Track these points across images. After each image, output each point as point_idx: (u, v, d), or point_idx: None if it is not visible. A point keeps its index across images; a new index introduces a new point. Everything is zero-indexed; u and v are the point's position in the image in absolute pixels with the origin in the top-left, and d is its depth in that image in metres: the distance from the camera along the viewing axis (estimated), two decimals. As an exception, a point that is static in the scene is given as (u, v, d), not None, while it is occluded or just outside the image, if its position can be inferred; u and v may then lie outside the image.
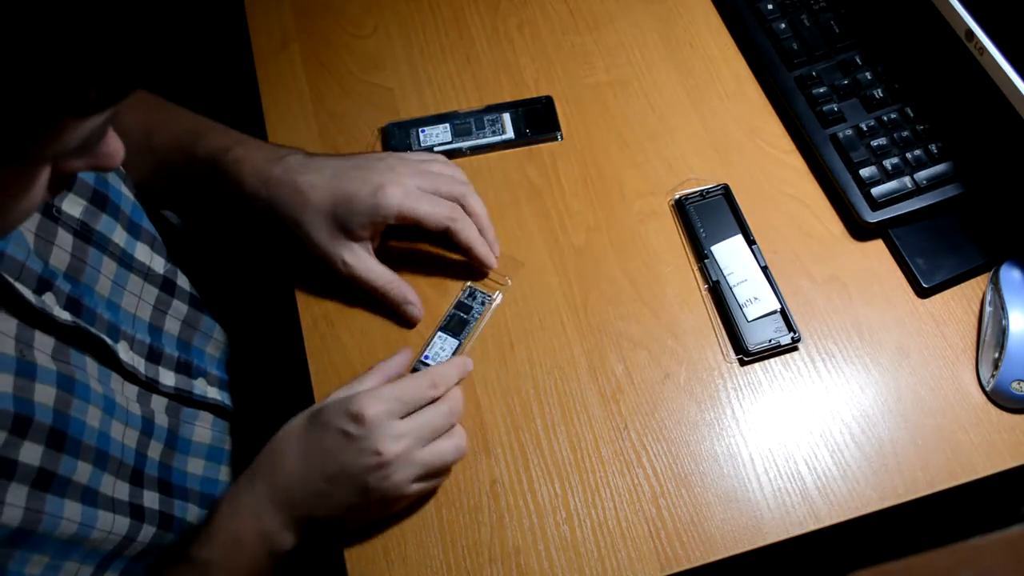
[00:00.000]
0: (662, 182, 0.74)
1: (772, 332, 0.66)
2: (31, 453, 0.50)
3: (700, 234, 0.70)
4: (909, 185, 0.70)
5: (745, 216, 0.71)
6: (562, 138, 0.76)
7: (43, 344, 0.53)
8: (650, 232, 0.72)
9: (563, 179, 0.74)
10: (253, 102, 0.79)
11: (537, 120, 0.77)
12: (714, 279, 0.68)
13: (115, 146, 0.45)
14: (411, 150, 0.75)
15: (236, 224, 0.77)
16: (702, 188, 0.72)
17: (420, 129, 0.77)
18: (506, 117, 0.77)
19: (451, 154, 0.75)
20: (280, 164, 0.65)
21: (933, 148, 0.71)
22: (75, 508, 0.53)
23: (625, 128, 0.77)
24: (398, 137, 0.76)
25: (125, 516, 0.57)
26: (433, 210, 0.65)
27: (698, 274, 0.70)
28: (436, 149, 0.75)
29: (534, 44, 0.82)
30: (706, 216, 0.71)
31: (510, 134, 0.76)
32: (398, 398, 0.58)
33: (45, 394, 0.51)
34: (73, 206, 0.58)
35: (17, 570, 0.50)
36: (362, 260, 0.66)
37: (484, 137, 0.76)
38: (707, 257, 0.69)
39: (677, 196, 0.72)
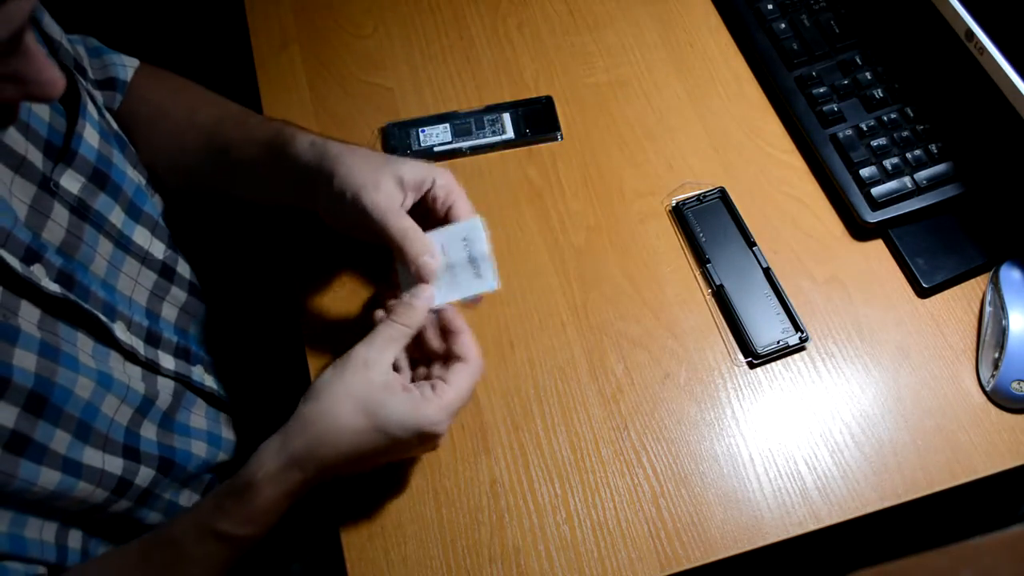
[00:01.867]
0: (662, 182, 0.74)
1: (779, 333, 0.66)
2: (5, 414, 0.49)
3: (700, 239, 0.70)
4: (909, 185, 0.70)
5: (745, 216, 0.71)
6: (562, 138, 0.76)
7: (29, 314, 0.53)
8: (650, 232, 0.72)
9: (563, 179, 0.74)
10: (253, 102, 0.79)
11: (537, 120, 0.77)
12: (718, 283, 0.68)
13: (50, 74, 0.45)
14: (411, 150, 0.75)
15: (255, 215, 0.76)
16: (699, 192, 0.72)
17: (420, 129, 0.77)
18: (506, 117, 0.77)
19: (451, 154, 0.76)
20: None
21: (933, 148, 0.71)
22: (53, 476, 0.52)
23: (625, 128, 0.77)
24: (398, 137, 0.76)
25: (106, 490, 0.57)
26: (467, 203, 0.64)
27: (700, 278, 0.70)
28: (436, 149, 0.75)
29: (534, 44, 0.82)
30: (704, 220, 0.71)
31: (510, 134, 0.77)
32: (460, 404, 0.57)
33: (25, 359, 0.51)
34: (72, 182, 0.58)
35: None
36: (395, 200, 0.60)
37: (484, 137, 0.76)
38: (709, 262, 0.69)
39: (674, 202, 0.72)
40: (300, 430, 0.54)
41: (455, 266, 0.60)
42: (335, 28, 0.83)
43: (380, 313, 0.59)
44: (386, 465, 0.63)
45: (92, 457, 0.56)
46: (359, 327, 0.68)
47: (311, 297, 0.70)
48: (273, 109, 0.78)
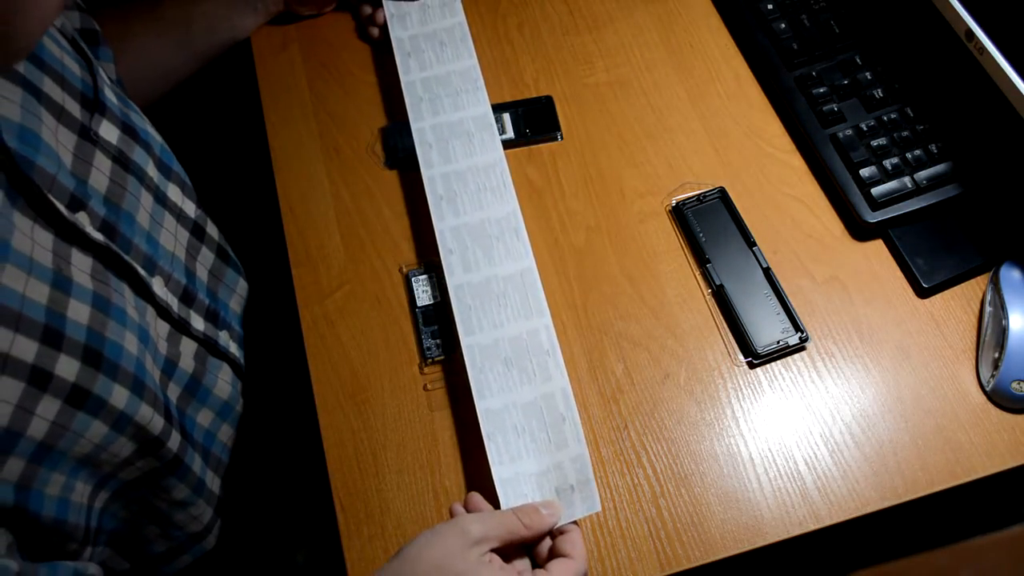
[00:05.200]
0: (662, 182, 0.74)
1: (779, 333, 0.66)
2: (67, 367, 0.50)
3: (700, 239, 0.70)
4: (909, 185, 0.70)
5: (745, 217, 0.71)
6: (562, 138, 0.76)
7: (81, 263, 0.53)
8: (650, 232, 0.72)
9: (563, 179, 0.74)
10: (253, 102, 0.79)
11: (537, 120, 0.77)
12: (718, 283, 0.68)
13: None
14: (411, 150, 0.75)
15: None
16: (699, 192, 0.72)
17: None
18: (506, 117, 0.77)
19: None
20: None
21: (933, 148, 0.71)
22: (101, 429, 0.53)
23: (625, 128, 0.77)
24: (398, 137, 0.76)
25: (135, 442, 0.57)
26: None
27: (700, 278, 0.70)
28: None
29: (534, 44, 0.82)
30: (704, 220, 0.71)
31: (510, 134, 0.77)
32: None
33: (78, 311, 0.51)
34: (109, 132, 0.59)
35: (40, 490, 0.50)
36: None
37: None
38: (709, 262, 0.69)
39: (674, 202, 0.72)
40: None
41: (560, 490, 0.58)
42: (335, 28, 0.83)
43: (458, 507, 0.57)
44: (386, 465, 0.63)
45: (144, 414, 0.56)
46: (359, 326, 0.68)
47: (310, 299, 0.70)
48: (273, 109, 0.78)
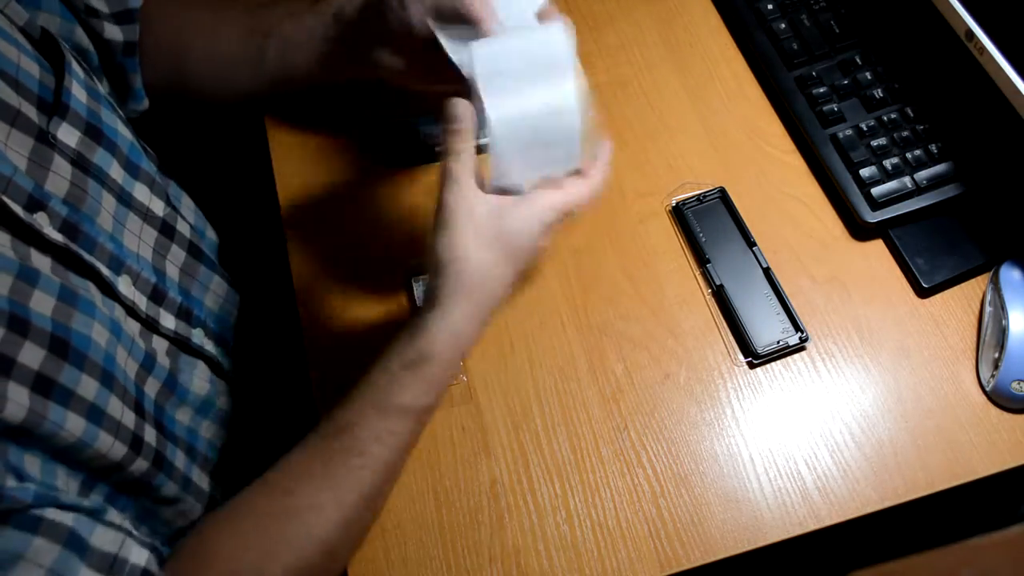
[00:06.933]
0: (662, 182, 0.74)
1: (779, 333, 0.66)
2: (31, 355, 0.49)
3: (700, 239, 0.70)
4: (909, 185, 0.70)
5: (745, 217, 0.71)
6: (562, 138, 0.76)
7: (41, 263, 0.53)
8: (650, 232, 0.72)
9: (563, 179, 0.74)
10: (253, 102, 0.79)
11: (537, 120, 0.77)
12: (718, 283, 0.68)
13: None
14: (411, 149, 0.75)
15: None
16: (699, 192, 0.72)
17: (422, 128, 0.76)
18: (506, 117, 0.77)
19: (451, 154, 0.75)
20: None
21: (933, 148, 0.71)
22: (79, 423, 0.52)
23: (625, 128, 0.77)
24: (399, 135, 0.76)
25: (124, 444, 0.56)
26: None
27: (700, 278, 0.70)
28: (438, 148, 0.75)
29: (534, 44, 0.82)
30: (704, 220, 0.71)
31: (510, 134, 0.76)
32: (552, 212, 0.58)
33: (43, 302, 0.51)
34: (68, 135, 0.58)
35: (16, 462, 0.50)
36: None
37: (485, 137, 0.76)
38: (709, 262, 0.69)
39: (674, 202, 0.72)
40: (455, 296, 0.56)
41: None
42: (335, 28, 0.83)
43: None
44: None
45: (115, 407, 0.55)
46: (359, 326, 0.68)
47: (310, 299, 0.70)
48: (273, 108, 0.78)
